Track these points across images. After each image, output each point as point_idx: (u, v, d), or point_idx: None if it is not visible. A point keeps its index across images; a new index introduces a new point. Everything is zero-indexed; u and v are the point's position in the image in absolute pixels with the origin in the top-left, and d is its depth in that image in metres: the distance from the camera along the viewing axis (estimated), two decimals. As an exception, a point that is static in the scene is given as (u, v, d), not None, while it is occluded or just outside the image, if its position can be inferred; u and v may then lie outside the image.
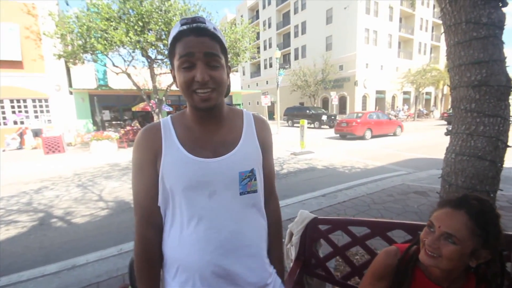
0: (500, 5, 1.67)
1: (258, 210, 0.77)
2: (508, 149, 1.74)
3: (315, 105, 26.43)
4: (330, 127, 19.19)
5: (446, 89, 30.45)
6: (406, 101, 30.07)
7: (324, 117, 19.10)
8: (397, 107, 28.35)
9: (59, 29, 8.85)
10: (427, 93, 30.98)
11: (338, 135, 12.59)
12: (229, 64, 0.75)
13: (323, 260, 1.44)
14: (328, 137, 13.05)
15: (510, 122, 1.69)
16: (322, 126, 19.29)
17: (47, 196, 4.63)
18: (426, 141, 10.68)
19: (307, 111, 20.31)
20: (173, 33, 0.66)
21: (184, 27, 0.64)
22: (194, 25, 0.64)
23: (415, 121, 25.44)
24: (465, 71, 1.67)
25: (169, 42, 0.67)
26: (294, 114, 21.56)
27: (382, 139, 11.75)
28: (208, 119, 0.72)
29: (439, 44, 32.09)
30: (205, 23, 0.65)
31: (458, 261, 0.71)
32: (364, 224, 1.39)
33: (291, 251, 1.51)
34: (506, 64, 1.67)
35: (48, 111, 13.37)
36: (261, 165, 0.78)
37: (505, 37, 1.73)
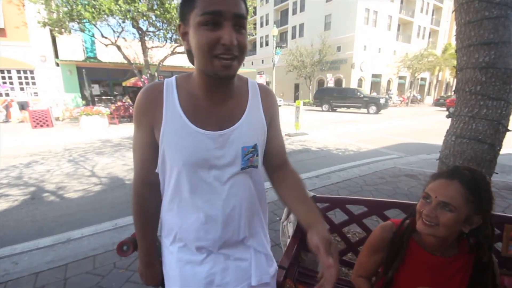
0: (514, -17, 1.61)
1: (255, 184, 0.75)
2: (506, 134, 1.76)
3: (310, 87, 26.12)
4: (376, 112, 15.40)
5: (441, 76, 30.54)
6: (401, 86, 30.06)
7: (383, 101, 15.51)
8: (390, 90, 28.37)
9: (43, -7, 8.25)
10: (422, 79, 31.00)
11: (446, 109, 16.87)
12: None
13: (320, 237, 1.47)
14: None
15: (512, 106, 1.69)
16: (379, 112, 15.46)
17: (38, 170, 4.54)
18: (417, 126, 10.83)
19: (357, 93, 16.39)
20: None
21: None
22: None
23: (408, 106, 25.64)
24: (473, 52, 1.64)
25: None
26: (333, 97, 17.41)
27: (377, 123, 11.89)
28: (218, 89, 0.65)
29: (438, 28, 31.66)
30: None
31: (454, 227, 0.76)
32: (362, 203, 1.40)
33: (287, 228, 1.53)
34: (514, 47, 1.64)
35: (34, 83, 12.80)
36: (265, 138, 0.74)
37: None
